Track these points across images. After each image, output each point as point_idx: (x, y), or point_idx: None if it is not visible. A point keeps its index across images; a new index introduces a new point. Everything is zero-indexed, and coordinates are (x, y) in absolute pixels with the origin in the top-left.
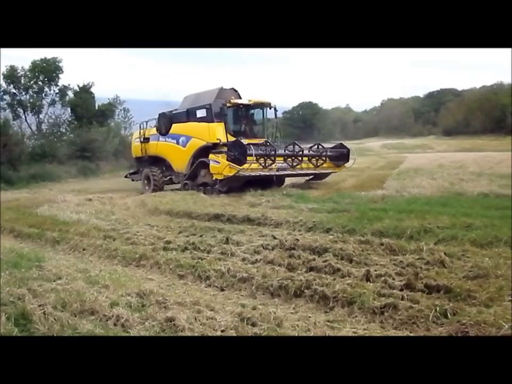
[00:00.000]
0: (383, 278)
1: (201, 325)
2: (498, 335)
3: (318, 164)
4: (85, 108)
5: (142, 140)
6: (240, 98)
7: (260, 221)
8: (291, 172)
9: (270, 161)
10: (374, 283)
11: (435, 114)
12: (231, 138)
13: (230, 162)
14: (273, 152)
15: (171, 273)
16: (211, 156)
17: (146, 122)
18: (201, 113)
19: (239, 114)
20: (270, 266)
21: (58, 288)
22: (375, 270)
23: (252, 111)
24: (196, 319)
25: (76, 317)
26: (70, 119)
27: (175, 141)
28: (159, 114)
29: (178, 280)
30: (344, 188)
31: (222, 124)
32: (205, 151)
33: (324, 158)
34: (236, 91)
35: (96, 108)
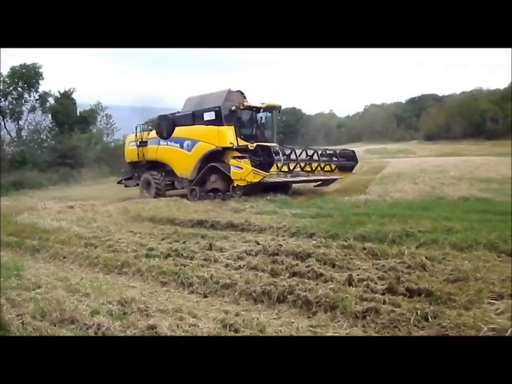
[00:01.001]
0: (365, 282)
1: (183, 332)
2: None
3: (330, 169)
4: (66, 114)
5: (138, 143)
6: (246, 101)
7: (244, 227)
8: (306, 178)
9: (298, 167)
10: (357, 287)
11: (417, 119)
12: (242, 142)
13: (254, 168)
14: (303, 157)
15: (153, 280)
16: (232, 161)
17: (142, 125)
18: (209, 116)
19: (250, 118)
20: (253, 272)
21: (38, 297)
22: (358, 275)
23: (262, 114)
24: (178, 326)
25: (55, 326)
26: (51, 126)
27: (178, 145)
28: (160, 117)
29: (160, 287)
30: (327, 193)
31: (232, 127)
32: (213, 155)
33: (336, 164)
34: (242, 93)
35: (78, 114)
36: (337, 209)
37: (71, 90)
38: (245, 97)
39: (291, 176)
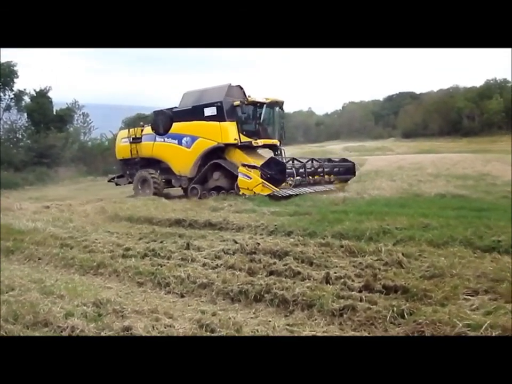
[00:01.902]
0: (342, 280)
1: (159, 333)
2: (452, 334)
3: (331, 180)
4: (42, 113)
5: (131, 140)
6: (246, 96)
7: (222, 226)
8: (311, 190)
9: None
10: (334, 285)
11: (394, 117)
12: (245, 139)
13: (264, 181)
14: (317, 170)
15: (130, 281)
16: (241, 169)
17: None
18: (210, 111)
19: (252, 113)
20: (230, 271)
21: (11, 299)
22: (335, 272)
23: (264, 109)
24: (153, 327)
25: (28, 329)
26: (26, 125)
27: (176, 141)
28: (156, 112)
29: (137, 288)
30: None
31: (235, 123)
32: (215, 152)
33: (336, 173)
34: (242, 88)
35: (54, 113)
36: (316, 207)
37: (47, 88)
38: (244, 93)
39: (294, 187)
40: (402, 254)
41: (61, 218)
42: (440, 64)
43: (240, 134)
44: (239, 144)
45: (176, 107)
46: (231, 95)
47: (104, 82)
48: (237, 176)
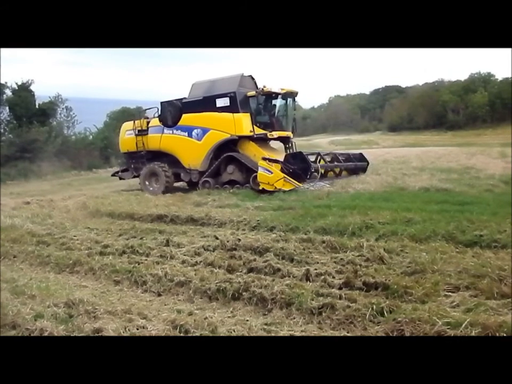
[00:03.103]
0: (322, 277)
1: (130, 335)
2: (432, 332)
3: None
4: (25, 107)
5: (137, 132)
6: (257, 87)
7: (204, 221)
8: (326, 183)
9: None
10: (314, 282)
11: (380, 110)
12: (259, 131)
13: (286, 176)
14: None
15: (106, 279)
16: (261, 163)
17: (140, 112)
18: (222, 102)
19: (265, 104)
20: (209, 268)
21: None
22: (315, 269)
23: (278, 100)
24: (125, 328)
25: None
26: (8, 119)
27: (186, 134)
28: (164, 103)
29: (113, 287)
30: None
31: (248, 114)
32: (227, 145)
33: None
34: (253, 79)
35: (37, 106)
36: (300, 201)
37: (29, 82)
38: (255, 83)
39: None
40: (384, 250)
41: (41, 214)
42: (425, 58)
43: (254, 126)
44: (254, 136)
45: (185, 98)
46: (244, 86)
47: (87, 76)
48: (252, 170)
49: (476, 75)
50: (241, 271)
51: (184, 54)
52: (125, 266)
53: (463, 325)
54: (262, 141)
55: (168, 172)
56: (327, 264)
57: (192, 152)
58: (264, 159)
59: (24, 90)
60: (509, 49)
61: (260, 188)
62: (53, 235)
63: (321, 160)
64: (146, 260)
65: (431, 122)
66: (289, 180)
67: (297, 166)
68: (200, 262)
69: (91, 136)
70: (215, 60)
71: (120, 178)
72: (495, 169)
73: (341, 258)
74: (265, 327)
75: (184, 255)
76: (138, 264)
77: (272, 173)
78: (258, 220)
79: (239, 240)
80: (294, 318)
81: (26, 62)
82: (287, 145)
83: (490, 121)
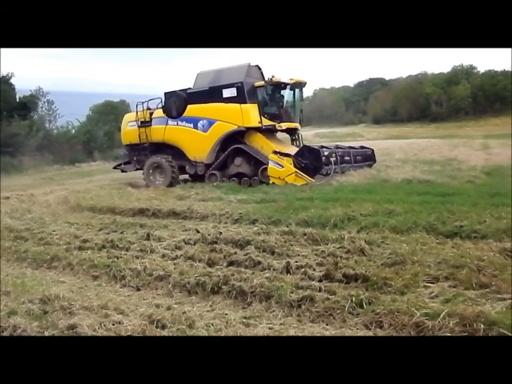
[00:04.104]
0: (303, 269)
1: (106, 330)
2: (411, 323)
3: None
4: (4, 100)
5: (139, 123)
6: (264, 77)
7: (186, 215)
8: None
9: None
10: (294, 275)
11: (365, 103)
12: (267, 122)
13: (298, 170)
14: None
15: (84, 274)
16: (272, 156)
17: (143, 103)
18: (229, 92)
19: (273, 95)
20: (189, 262)
21: None
22: (296, 262)
23: (286, 91)
24: (101, 324)
25: None
26: None
27: (191, 125)
28: (168, 94)
29: (91, 282)
30: None
31: (256, 105)
32: (234, 137)
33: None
34: (260, 69)
35: (17, 100)
36: (283, 193)
37: (9, 75)
38: (262, 73)
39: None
40: (365, 241)
41: (20, 209)
42: (408, 50)
43: (262, 117)
44: (263, 128)
45: (190, 88)
46: (251, 76)
47: (69, 69)
48: (260, 162)
49: (458, 67)
50: (221, 265)
51: (167, 49)
52: (103, 261)
53: (441, 316)
54: (270, 132)
55: (173, 165)
56: (308, 256)
57: (198, 144)
58: (275, 152)
59: (4, 83)
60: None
61: (270, 182)
62: (32, 230)
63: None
64: (125, 254)
65: (414, 115)
66: (301, 175)
67: (310, 161)
68: (181, 255)
69: (73, 130)
70: (197, 53)
71: (122, 171)
72: (477, 160)
73: (322, 251)
74: (244, 320)
75: (165, 249)
76: (118, 259)
77: (283, 167)
78: (240, 213)
79: (220, 233)
80: (273, 311)
81: (6, 55)
82: (293, 137)
83: (473, 113)
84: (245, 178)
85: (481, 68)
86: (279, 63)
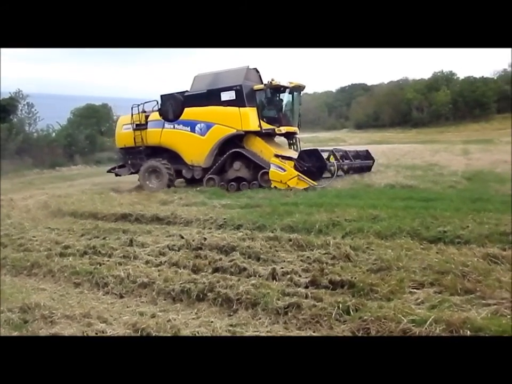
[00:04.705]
0: (289, 275)
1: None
2: (398, 330)
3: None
4: None
5: (135, 126)
6: (262, 80)
7: (169, 220)
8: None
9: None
10: (280, 281)
11: (347, 108)
12: (266, 126)
13: (300, 174)
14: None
15: (66, 281)
16: (274, 160)
17: (138, 105)
18: (228, 95)
19: (272, 98)
20: (174, 268)
21: None
22: (282, 268)
23: (284, 94)
24: (84, 333)
25: None
26: None
27: (188, 128)
28: (165, 96)
29: (73, 289)
30: None
31: (255, 108)
32: (232, 140)
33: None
34: (258, 72)
35: None
36: (267, 198)
37: None
38: (260, 76)
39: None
40: (350, 247)
41: None
42: (390, 56)
43: (261, 121)
44: (263, 131)
45: (187, 91)
46: (249, 79)
47: (49, 72)
48: (260, 166)
49: (438, 74)
50: (206, 271)
51: (146, 50)
52: (85, 267)
53: (428, 322)
54: (268, 136)
55: (170, 169)
56: (293, 262)
57: (195, 147)
58: (277, 156)
59: None
60: (468, 50)
61: (272, 186)
62: (11, 236)
63: (332, 157)
64: (108, 260)
65: (396, 120)
66: (303, 178)
67: (312, 164)
68: (165, 262)
69: (54, 133)
70: (182, 55)
71: (116, 175)
72: (458, 166)
73: (308, 257)
74: (230, 328)
75: (148, 255)
76: (100, 265)
77: (285, 170)
78: (225, 218)
79: (205, 239)
80: (260, 319)
81: None
82: (291, 141)
83: (453, 119)
84: (244, 182)
85: (461, 75)
86: (262, 66)
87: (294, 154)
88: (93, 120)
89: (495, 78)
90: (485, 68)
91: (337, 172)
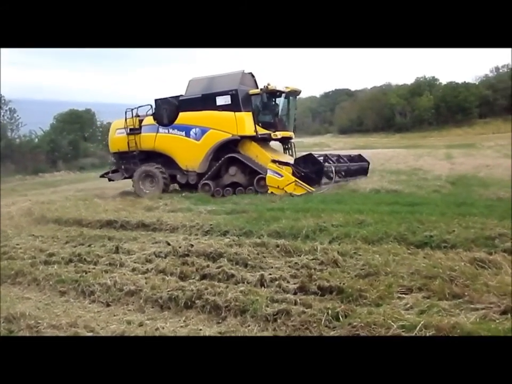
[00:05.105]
0: (277, 282)
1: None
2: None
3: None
4: None
5: (128, 131)
6: (257, 84)
7: (155, 226)
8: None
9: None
10: (268, 288)
11: (331, 113)
12: (262, 131)
13: (298, 180)
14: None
15: (51, 290)
16: (271, 165)
17: (132, 109)
18: (223, 100)
19: (268, 103)
20: (161, 276)
21: None
22: (270, 274)
23: (283, 99)
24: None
25: None
26: None
27: (183, 133)
28: (159, 101)
29: (58, 298)
30: None
31: (250, 113)
32: (227, 145)
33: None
34: (253, 76)
35: None
36: (253, 204)
37: None
38: (255, 81)
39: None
40: (338, 253)
41: None
42: (373, 61)
43: (257, 126)
44: (258, 136)
45: (182, 95)
46: (245, 83)
47: (32, 77)
48: (255, 171)
49: (421, 79)
50: (194, 278)
51: (133, 54)
52: (71, 275)
53: (417, 328)
54: (264, 141)
55: (165, 174)
56: (281, 268)
57: (190, 152)
58: (274, 161)
59: None
60: (450, 56)
61: (269, 191)
62: None
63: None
64: (94, 268)
65: (379, 125)
66: (301, 184)
67: (310, 169)
68: (151, 269)
69: (37, 139)
70: (171, 60)
71: (110, 180)
72: (441, 170)
73: (295, 262)
74: (219, 335)
75: (135, 262)
76: (86, 273)
77: (282, 176)
78: (211, 224)
79: (192, 245)
80: (249, 326)
81: None
82: (286, 146)
83: (436, 123)
84: (240, 188)
85: (443, 80)
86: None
87: (291, 160)
88: (76, 125)
89: (477, 83)
90: (467, 73)
91: (335, 176)
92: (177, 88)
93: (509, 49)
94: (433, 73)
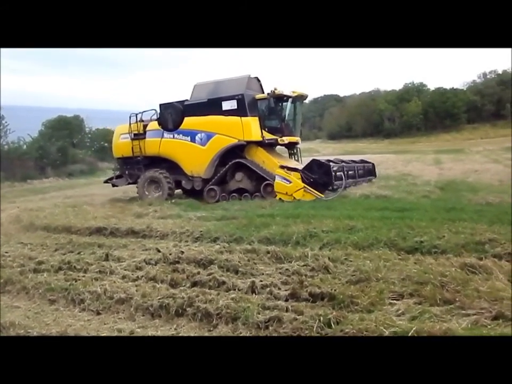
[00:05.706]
0: (268, 288)
1: None
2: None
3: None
4: None
5: (133, 136)
6: (263, 89)
7: (145, 233)
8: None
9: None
10: (259, 295)
11: (320, 119)
12: (268, 136)
13: (307, 186)
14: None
15: (40, 298)
16: (279, 171)
17: (136, 114)
18: (229, 105)
19: (274, 108)
20: (151, 283)
21: None
22: (261, 281)
23: (286, 104)
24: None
25: None
26: None
27: (189, 138)
28: (164, 106)
29: (48, 306)
30: None
31: (257, 118)
32: (233, 151)
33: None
34: (259, 81)
35: None
36: (243, 210)
37: None
38: (261, 85)
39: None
40: (329, 259)
41: None
42: (361, 67)
43: (263, 131)
44: (265, 141)
45: (187, 100)
46: (251, 88)
47: (20, 83)
48: (262, 177)
49: (409, 85)
50: (184, 285)
51: (123, 60)
52: (61, 283)
53: (410, 334)
54: (270, 146)
55: (170, 180)
56: (272, 275)
57: (196, 158)
58: (283, 167)
59: None
60: (437, 62)
61: (277, 198)
62: None
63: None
64: (84, 276)
65: (368, 131)
66: (310, 190)
67: (319, 175)
68: (142, 276)
69: (25, 146)
70: (163, 64)
71: (113, 186)
72: (430, 175)
73: (286, 269)
74: (210, 336)
75: (125, 269)
76: (76, 281)
77: (291, 182)
78: (201, 231)
79: (182, 252)
80: (241, 333)
81: None
82: (292, 151)
83: (424, 129)
84: (246, 194)
85: (431, 86)
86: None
87: (299, 165)
88: (65, 132)
89: (465, 89)
90: (455, 79)
91: (345, 181)
92: (172, 94)
93: (494, 55)
94: (422, 79)
